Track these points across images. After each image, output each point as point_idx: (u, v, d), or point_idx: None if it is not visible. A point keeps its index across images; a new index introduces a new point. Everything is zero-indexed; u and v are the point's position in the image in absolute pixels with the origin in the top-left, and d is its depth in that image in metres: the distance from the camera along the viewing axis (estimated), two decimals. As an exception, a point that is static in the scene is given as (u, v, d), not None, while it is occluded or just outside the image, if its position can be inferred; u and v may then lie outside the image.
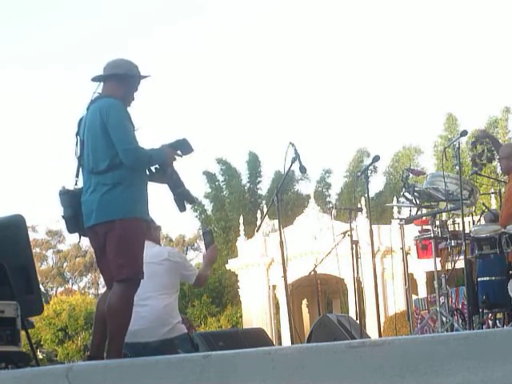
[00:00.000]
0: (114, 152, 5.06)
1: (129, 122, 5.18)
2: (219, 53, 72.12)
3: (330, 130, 74.66)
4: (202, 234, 6.93)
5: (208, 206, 43.97)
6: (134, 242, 5.10)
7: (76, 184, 5.24)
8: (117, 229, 5.05)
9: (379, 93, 72.07)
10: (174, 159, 5.34)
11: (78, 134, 5.31)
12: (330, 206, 39.84)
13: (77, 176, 5.24)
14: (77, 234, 5.31)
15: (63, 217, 5.24)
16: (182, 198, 5.34)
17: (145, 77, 5.36)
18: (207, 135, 74.01)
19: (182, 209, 5.34)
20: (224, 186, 43.30)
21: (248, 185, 43.29)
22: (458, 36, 71.73)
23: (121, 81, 5.23)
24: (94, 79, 5.30)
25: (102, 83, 5.27)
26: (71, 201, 5.18)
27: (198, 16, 77.06)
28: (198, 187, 46.69)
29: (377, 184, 43.46)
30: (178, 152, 5.36)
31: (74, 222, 5.21)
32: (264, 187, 43.13)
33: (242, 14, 74.36)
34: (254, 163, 43.13)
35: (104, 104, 5.16)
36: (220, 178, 43.49)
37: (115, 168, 5.07)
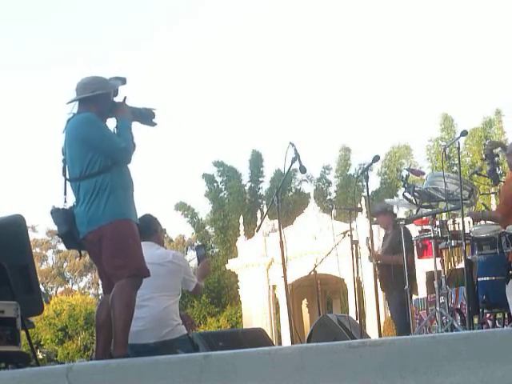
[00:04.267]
0: (90, 159, 5.17)
1: (106, 127, 5.34)
2: (219, 52, 72.19)
3: (330, 127, 74.71)
4: (195, 248, 7.00)
5: (207, 206, 44.02)
6: (127, 242, 5.16)
7: (65, 201, 5.32)
8: (108, 232, 5.13)
9: (373, 90, 72.18)
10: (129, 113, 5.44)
11: (63, 159, 5.39)
12: (331, 206, 39.78)
13: (65, 194, 5.32)
14: (76, 250, 5.43)
15: (58, 234, 5.32)
16: (148, 118, 5.56)
17: (118, 86, 5.42)
18: (207, 135, 74.14)
19: (153, 124, 5.60)
20: (223, 187, 43.28)
21: (249, 184, 43.24)
22: (450, 36, 71.85)
23: (92, 102, 5.32)
24: (69, 103, 5.40)
25: (76, 103, 5.37)
26: (64, 217, 5.25)
27: (197, 15, 77.12)
28: (197, 189, 46.88)
29: (372, 183, 43.38)
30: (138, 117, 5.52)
31: (71, 237, 5.29)
32: (265, 187, 43.14)
33: (241, 13, 74.45)
34: (256, 162, 43.07)
35: (78, 118, 5.30)
36: (218, 179, 43.47)
37: (95, 175, 5.17)
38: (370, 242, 9.07)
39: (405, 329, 8.82)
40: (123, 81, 5.45)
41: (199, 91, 73.70)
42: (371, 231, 8.31)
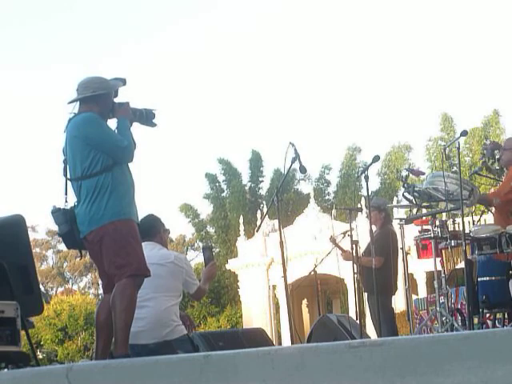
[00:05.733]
0: (92, 159, 5.19)
1: (107, 126, 5.35)
2: (219, 52, 72.17)
3: (329, 127, 74.69)
4: (201, 249, 7.04)
5: (208, 206, 44.03)
6: (129, 241, 5.17)
7: (66, 201, 5.34)
8: (109, 232, 5.15)
9: (373, 90, 72.21)
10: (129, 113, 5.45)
11: (64, 159, 5.40)
12: (330, 206, 39.78)
13: (66, 193, 5.34)
14: (76, 250, 5.44)
15: (59, 234, 5.33)
16: (148, 119, 5.58)
17: (118, 87, 5.43)
18: (207, 135, 74.12)
19: (153, 125, 5.62)
20: (225, 187, 43.27)
21: (249, 184, 43.23)
22: (450, 36, 71.82)
23: (93, 101, 5.33)
24: (70, 103, 5.41)
25: (77, 104, 5.38)
26: (65, 217, 5.27)
27: (200, 16, 77.09)
28: (198, 189, 46.99)
29: (372, 184, 43.38)
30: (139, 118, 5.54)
31: (71, 237, 5.29)
32: (265, 187, 43.13)
33: (242, 13, 74.43)
34: (256, 162, 43.05)
35: (79, 118, 5.31)
36: (221, 178, 43.49)
37: (96, 174, 5.19)
38: (335, 241, 9.14)
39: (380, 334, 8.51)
40: (123, 82, 5.46)
41: (199, 91, 73.78)
42: (371, 231, 8.30)
